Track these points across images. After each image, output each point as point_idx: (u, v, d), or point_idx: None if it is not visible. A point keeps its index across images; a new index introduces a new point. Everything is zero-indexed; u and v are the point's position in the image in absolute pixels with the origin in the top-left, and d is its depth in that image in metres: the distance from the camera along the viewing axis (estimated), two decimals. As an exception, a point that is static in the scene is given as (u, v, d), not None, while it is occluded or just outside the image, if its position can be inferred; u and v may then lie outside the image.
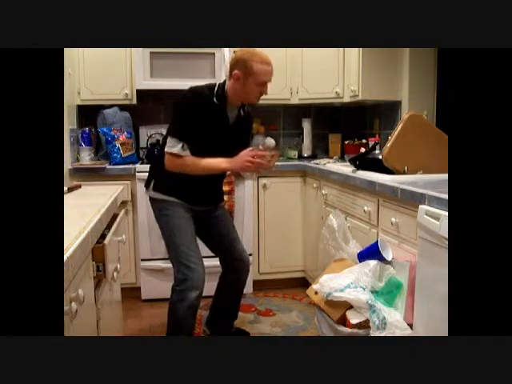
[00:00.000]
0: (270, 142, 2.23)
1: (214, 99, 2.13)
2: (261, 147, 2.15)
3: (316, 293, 2.13)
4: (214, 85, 2.18)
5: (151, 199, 2.30)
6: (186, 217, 2.23)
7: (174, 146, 2.10)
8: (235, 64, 2.12)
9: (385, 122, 3.42)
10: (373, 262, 2.01)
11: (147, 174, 2.38)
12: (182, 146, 2.09)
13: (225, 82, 2.19)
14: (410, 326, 1.86)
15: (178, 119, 2.14)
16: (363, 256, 2.09)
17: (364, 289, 1.95)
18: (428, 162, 2.41)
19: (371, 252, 2.06)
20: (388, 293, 1.94)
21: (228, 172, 2.70)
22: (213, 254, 2.49)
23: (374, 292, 1.96)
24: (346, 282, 1.98)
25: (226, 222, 2.44)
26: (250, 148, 2.14)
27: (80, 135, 3.27)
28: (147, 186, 2.31)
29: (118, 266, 1.72)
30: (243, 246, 2.47)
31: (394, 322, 1.84)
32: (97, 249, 1.34)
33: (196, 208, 2.28)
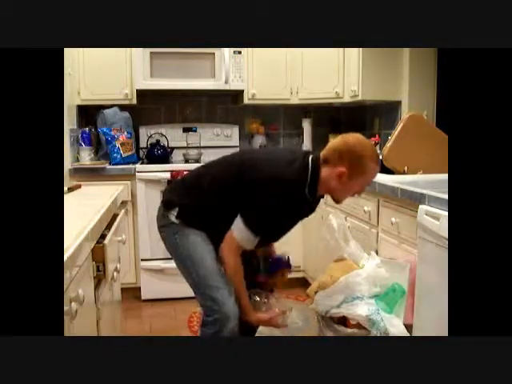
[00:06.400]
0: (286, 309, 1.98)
1: (306, 193, 1.72)
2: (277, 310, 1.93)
3: (316, 292, 2.13)
4: (307, 168, 1.71)
5: (169, 221, 1.85)
6: (206, 239, 1.82)
7: (246, 239, 1.72)
8: (342, 156, 1.67)
9: (385, 122, 3.42)
10: (364, 272, 2.00)
11: (168, 191, 2.00)
12: (254, 240, 1.74)
13: (317, 162, 1.72)
14: (410, 326, 1.86)
15: (260, 213, 1.70)
16: None
17: (362, 299, 1.93)
18: (428, 161, 2.41)
19: None
20: (389, 296, 1.93)
21: None
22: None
23: (372, 297, 1.94)
24: (342, 297, 1.96)
25: None
26: (277, 317, 1.87)
27: (80, 135, 3.26)
28: (168, 208, 1.86)
29: (118, 265, 1.72)
30: None
31: (396, 333, 1.82)
32: (97, 249, 1.34)
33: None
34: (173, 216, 1.83)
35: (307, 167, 1.70)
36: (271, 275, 2.06)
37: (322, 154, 1.73)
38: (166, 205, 1.87)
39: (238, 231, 1.72)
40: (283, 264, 2.09)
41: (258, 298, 1.92)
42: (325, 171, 1.70)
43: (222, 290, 1.76)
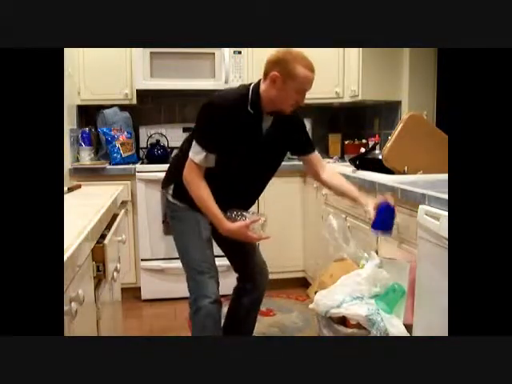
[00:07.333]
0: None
1: (249, 108, 1.87)
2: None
3: (316, 292, 2.13)
4: (248, 90, 1.89)
5: (168, 201, 2.06)
6: (202, 220, 1.95)
7: (197, 154, 1.85)
8: (274, 64, 1.82)
9: (385, 122, 3.42)
10: (364, 272, 2.00)
11: (165, 172, 2.13)
12: (206, 155, 1.84)
13: (257, 82, 1.90)
14: (410, 326, 1.86)
15: (203, 126, 1.87)
16: (378, 223, 1.91)
17: (362, 299, 1.93)
18: (428, 161, 2.41)
19: (383, 214, 1.89)
20: (389, 296, 1.92)
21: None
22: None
23: (372, 297, 1.94)
24: (342, 297, 1.95)
25: None
26: (247, 223, 1.85)
27: (80, 135, 3.27)
28: (165, 187, 2.07)
29: (118, 265, 1.72)
30: (265, 264, 2.18)
31: (396, 333, 1.81)
32: (97, 249, 1.34)
33: None
34: (170, 195, 2.04)
35: (248, 87, 1.91)
36: None
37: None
38: (164, 185, 2.08)
39: (192, 149, 1.87)
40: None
41: (233, 215, 1.87)
42: (263, 84, 1.87)
43: (206, 274, 1.92)
